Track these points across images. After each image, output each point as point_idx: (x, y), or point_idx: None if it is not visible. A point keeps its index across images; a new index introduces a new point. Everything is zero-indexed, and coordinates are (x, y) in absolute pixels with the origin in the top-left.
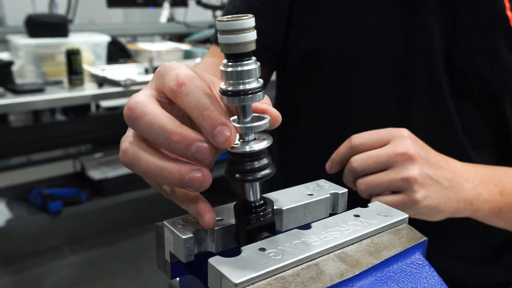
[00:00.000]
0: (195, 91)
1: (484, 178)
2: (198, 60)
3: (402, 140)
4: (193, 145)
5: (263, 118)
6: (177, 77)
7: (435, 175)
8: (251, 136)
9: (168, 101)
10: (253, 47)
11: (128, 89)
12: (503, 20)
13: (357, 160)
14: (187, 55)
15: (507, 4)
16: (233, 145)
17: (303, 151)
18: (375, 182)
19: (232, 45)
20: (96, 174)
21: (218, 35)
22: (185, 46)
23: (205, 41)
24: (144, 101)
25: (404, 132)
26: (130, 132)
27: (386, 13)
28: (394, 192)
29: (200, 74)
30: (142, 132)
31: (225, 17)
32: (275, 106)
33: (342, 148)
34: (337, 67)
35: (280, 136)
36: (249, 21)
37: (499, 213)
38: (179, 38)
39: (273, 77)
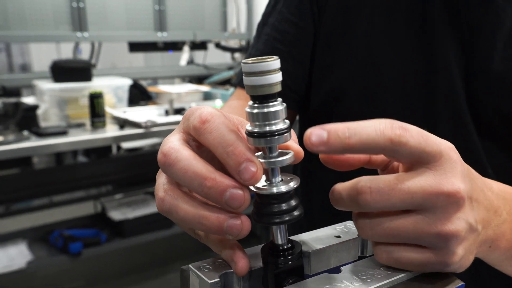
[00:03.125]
0: (218, 127)
1: None
2: (218, 101)
3: (451, 168)
4: (227, 192)
5: (286, 153)
6: (201, 115)
7: (476, 220)
8: (278, 178)
9: (196, 144)
10: (278, 88)
11: (149, 130)
12: None
13: (373, 189)
14: (207, 97)
15: None
16: (260, 187)
17: (327, 190)
18: (393, 230)
19: (258, 86)
20: (116, 215)
21: (243, 77)
22: (204, 88)
23: (224, 83)
24: (178, 147)
25: (454, 153)
26: (163, 179)
27: (405, 51)
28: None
29: (226, 114)
30: (176, 178)
31: (250, 59)
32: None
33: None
34: (359, 107)
35: (304, 174)
36: (275, 62)
37: None
38: (199, 80)
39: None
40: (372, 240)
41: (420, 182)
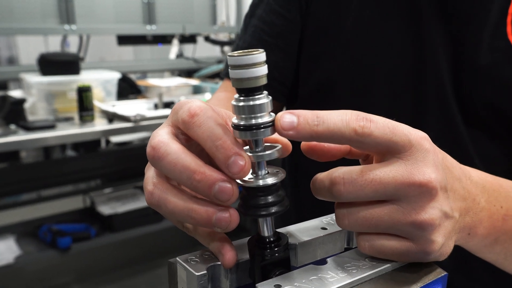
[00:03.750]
0: (207, 121)
1: (490, 197)
2: (207, 94)
3: (422, 157)
4: (216, 185)
5: (274, 147)
6: (190, 109)
7: (452, 208)
8: (264, 170)
9: (185, 138)
10: (264, 81)
11: (138, 124)
12: (507, 46)
13: (346, 179)
14: (196, 90)
15: (509, 28)
16: (246, 180)
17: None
18: (369, 220)
19: (244, 79)
20: (105, 209)
21: (229, 70)
22: (194, 81)
23: (214, 76)
24: (167, 140)
25: (425, 142)
26: (152, 173)
27: (395, 42)
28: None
29: (215, 108)
30: (165, 171)
31: (236, 52)
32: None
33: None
34: (348, 98)
35: (292, 168)
36: (260, 55)
37: (494, 244)
38: (188, 73)
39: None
40: (350, 229)
41: (391, 172)
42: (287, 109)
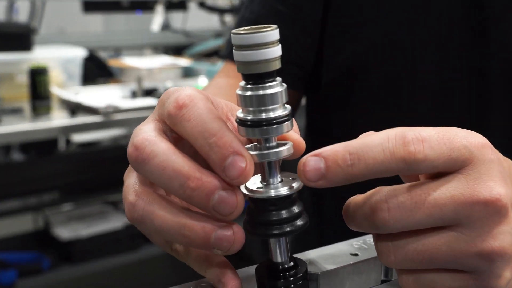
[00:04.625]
0: (199, 114)
1: None
2: (202, 79)
3: (486, 169)
4: (215, 194)
5: (284, 144)
6: (177, 99)
7: None
8: (277, 178)
9: (175, 136)
10: (277, 65)
11: (110, 118)
12: None
13: (391, 204)
14: (187, 73)
15: None
16: (255, 189)
17: (343, 194)
18: (423, 254)
19: (252, 63)
20: (64, 232)
21: (234, 50)
22: (184, 62)
23: (211, 54)
24: (153, 138)
25: (488, 150)
26: (134, 179)
27: (446, 11)
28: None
29: (212, 97)
30: (151, 177)
31: (242, 28)
32: (305, 137)
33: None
34: (385, 86)
35: None
36: (273, 33)
37: None
38: (177, 51)
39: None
40: (397, 267)
41: (449, 190)
42: (306, 101)
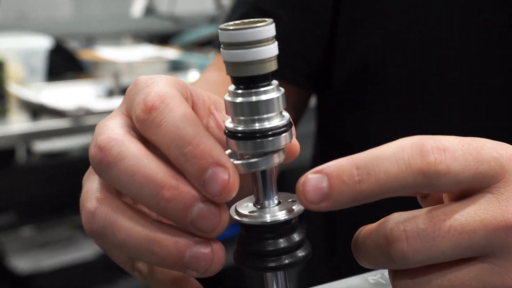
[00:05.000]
0: (170, 117)
1: None
2: (193, 73)
3: None
4: (195, 207)
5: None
6: (146, 100)
7: None
8: (274, 198)
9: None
10: (273, 66)
11: (80, 123)
12: None
13: (410, 232)
14: (176, 67)
15: None
16: (246, 213)
17: (360, 219)
18: None
19: (243, 64)
20: (22, 263)
21: (221, 49)
22: (172, 53)
23: (204, 44)
24: (121, 137)
25: None
26: (95, 184)
27: (483, 2)
28: None
29: (192, 89)
30: (117, 183)
31: (232, 23)
32: (316, 144)
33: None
34: (407, 85)
35: None
36: (268, 28)
37: None
38: (163, 39)
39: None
40: None
41: (478, 214)
42: (317, 102)
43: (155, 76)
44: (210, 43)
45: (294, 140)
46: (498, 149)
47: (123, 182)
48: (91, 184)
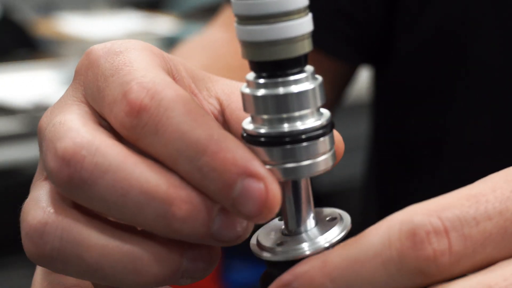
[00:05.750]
0: (169, 118)
1: None
2: None
3: None
4: (215, 221)
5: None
6: (128, 97)
7: None
8: (311, 219)
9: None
10: (306, 47)
11: (36, 128)
12: None
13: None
14: (169, 43)
15: None
16: (275, 248)
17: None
18: None
19: (265, 45)
20: None
21: (236, 24)
22: (166, 24)
23: (208, 12)
24: (93, 141)
25: None
26: (42, 192)
27: None
28: None
29: (170, 60)
30: (101, 206)
31: None
32: (374, 140)
33: None
34: (498, 60)
35: (387, 199)
36: None
37: None
38: (151, 5)
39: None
40: None
41: None
42: (374, 94)
43: (120, 47)
44: (213, 11)
45: (338, 137)
46: None
47: (111, 204)
48: (37, 193)
